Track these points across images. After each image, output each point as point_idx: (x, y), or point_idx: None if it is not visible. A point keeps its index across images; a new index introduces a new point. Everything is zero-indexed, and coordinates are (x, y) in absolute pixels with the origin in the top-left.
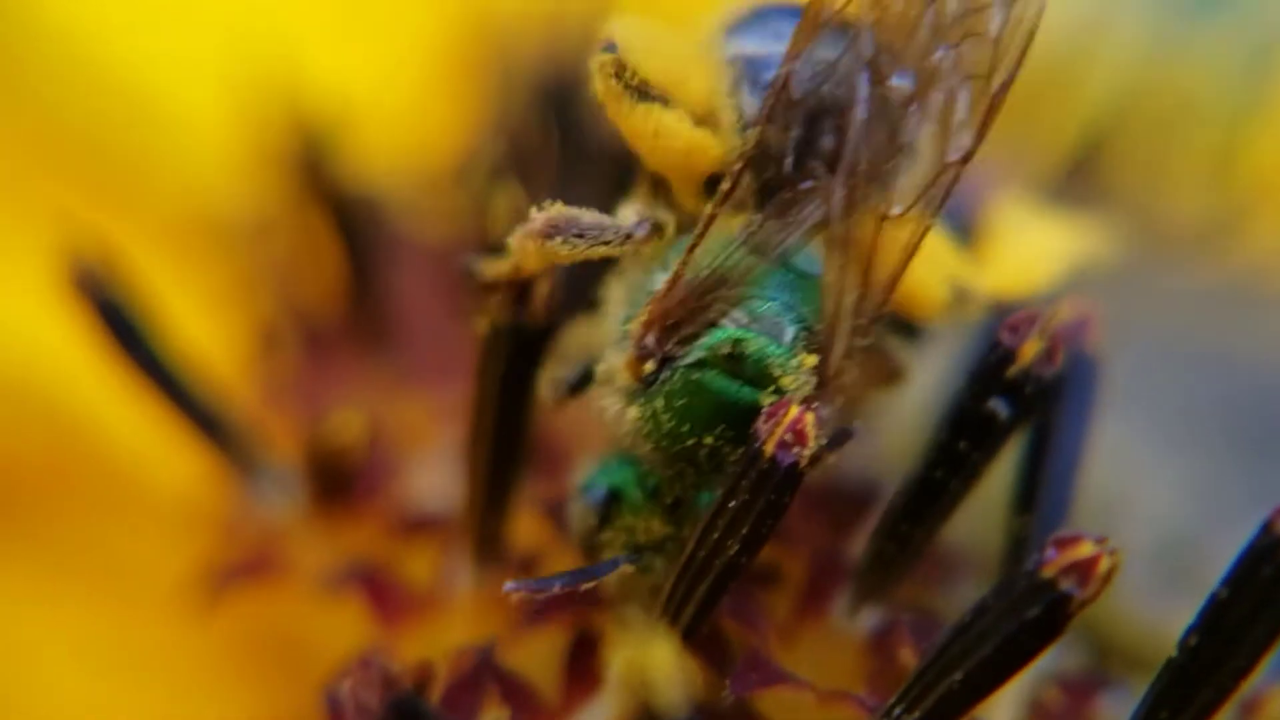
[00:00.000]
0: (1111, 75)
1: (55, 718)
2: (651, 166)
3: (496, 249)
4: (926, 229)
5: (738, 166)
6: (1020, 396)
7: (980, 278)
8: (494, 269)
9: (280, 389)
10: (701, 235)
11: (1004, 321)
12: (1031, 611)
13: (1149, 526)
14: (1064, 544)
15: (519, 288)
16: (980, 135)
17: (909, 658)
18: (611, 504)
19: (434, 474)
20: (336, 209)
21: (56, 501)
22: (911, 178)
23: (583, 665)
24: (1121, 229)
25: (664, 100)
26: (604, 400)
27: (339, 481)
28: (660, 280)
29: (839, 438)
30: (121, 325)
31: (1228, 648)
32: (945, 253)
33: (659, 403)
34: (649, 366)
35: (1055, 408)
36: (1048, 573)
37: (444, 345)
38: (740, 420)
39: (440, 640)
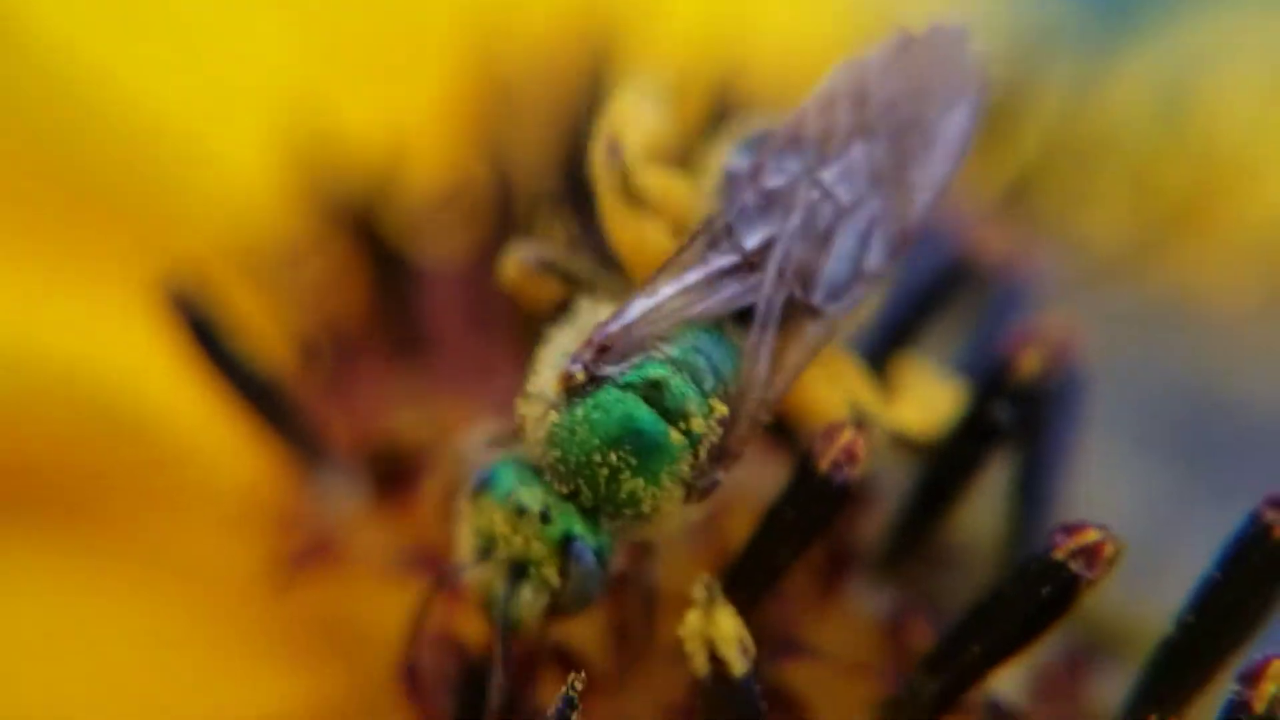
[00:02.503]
0: (1041, 111)
1: (124, 703)
2: (627, 260)
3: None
4: (834, 330)
5: (695, 232)
6: (1019, 402)
7: (882, 410)
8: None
9: (322, 396)
10: (655, 280)
11: (1005, 335)
12: (1044, 590)
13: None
14: (1072, 530)
15: None
16: (890, 258)
17: (920, 636)
18: (480, 488)
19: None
20: (366, 235)
21: (128, 501)
22: (832, 281)
23: (630, 639)
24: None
25: (653, 211)
26: (526, 409)
27: (398, 475)
28: (607, 313)
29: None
30: (199, 327)
31: (1220, 625)
32: (852, 376)
33: (579, 412)
34: (580, 376)
35: (1048, 414)
36: (1059, 556)
37: (469, 356)
38: (645, 450)
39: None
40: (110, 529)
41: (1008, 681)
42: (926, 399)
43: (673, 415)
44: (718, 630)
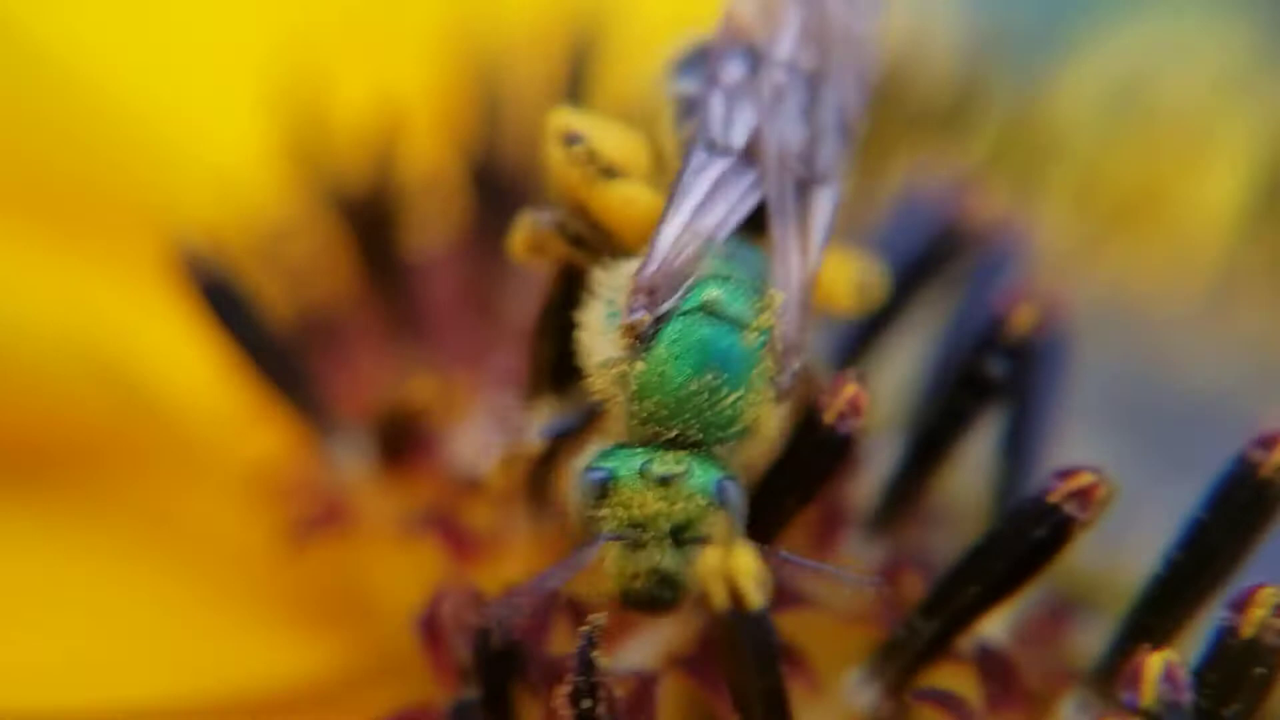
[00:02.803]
0: (992, 112)
1: (137, 666)
2: (622, 231)
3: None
4: (837, 202)
5: (684, 157)
6: (1011, 358)
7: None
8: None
9: (323, 366)
10: (668, 214)
11: (999, 293)
12: (1039, 532)
13: None
14: (1066, 474)
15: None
16: (863, 107)
17: (912, 587)
18: (608, 484)
19: (474, 439)
20: (358, 216)
21: (138, 469)
22: (827, 147)
23: None
24: None
25: (625, 174)
26: (602, 384)
27: (405, 443)
28: (632, 266)
29: None
30: (212, 292)
31: (1207, 561)
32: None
33: (658, 352)
34: (645, 319)
35: (1036, 371)
36: (1054, 499)
37: (461, 332)
38: (730, 360)
39: (505, 577)
40: (121, 496)
41: (995, 628)
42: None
43: (738, 322)
44: (737, 566)
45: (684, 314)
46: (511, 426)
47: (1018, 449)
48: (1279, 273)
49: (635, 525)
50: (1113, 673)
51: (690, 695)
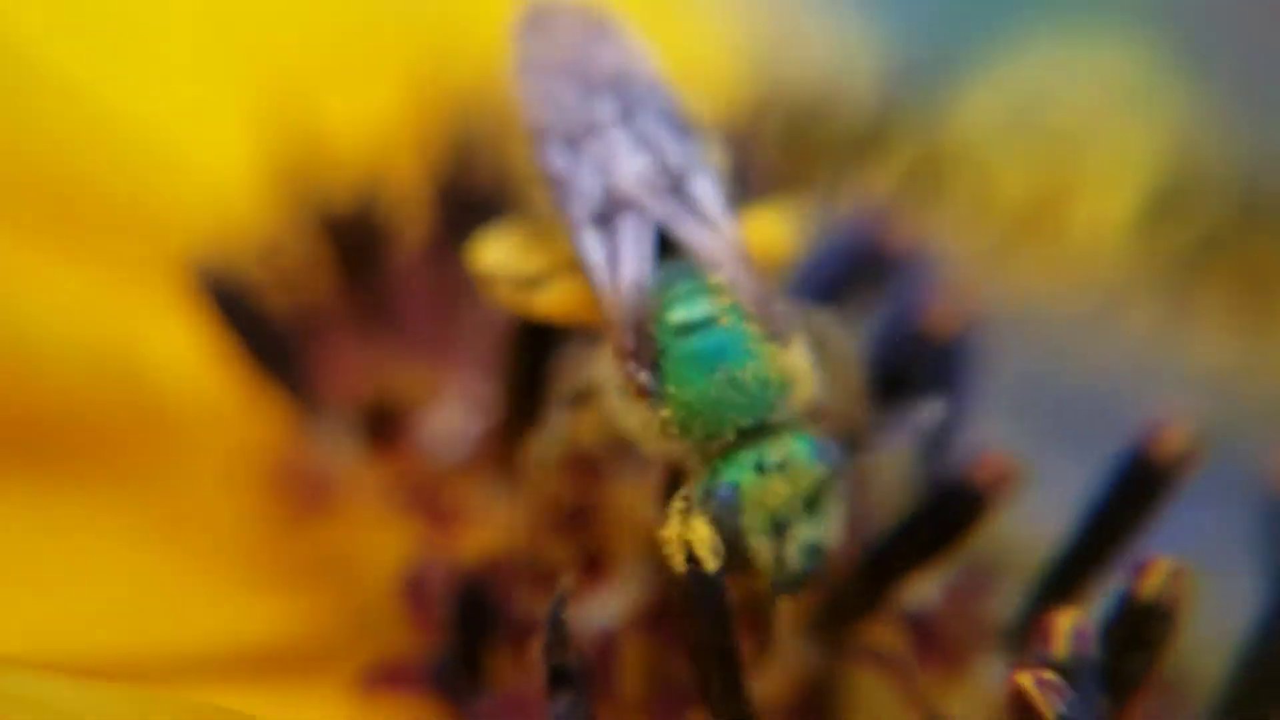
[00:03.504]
0: (906, 135)
1: (130, 622)
2: (570, 318)
3: None
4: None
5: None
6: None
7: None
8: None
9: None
10: (600, 297)
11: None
12: (958, 505)
13: None
14: (981, 456)
15: None
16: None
17: (846, 554)
18: (736, 494)
19: (450, 423)
20: (343, 230)
21: (129, 448)
22: (672, 155)
23: (598, 562)
24: None
25: (546, 279)
26: (645, 439)
27: (386, 425)
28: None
29: None
30: (215, 291)
31: (1108, 532)
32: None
33: (672, 388)
34: (644, 379)
35: (954, 368)
36: (970, 477)
37: (436, 329)
38: (729, 357)
39: (479, 544)
40: (118, 473)
41: (923, 592)
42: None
43: (709, 319)
44: (694, 535)
45: (668, 348)
46: (480, 409)
47: (939, 435)
48: (1169, 278)
49: (777, 517)
50: (1026, 631)
51: (650, 653)
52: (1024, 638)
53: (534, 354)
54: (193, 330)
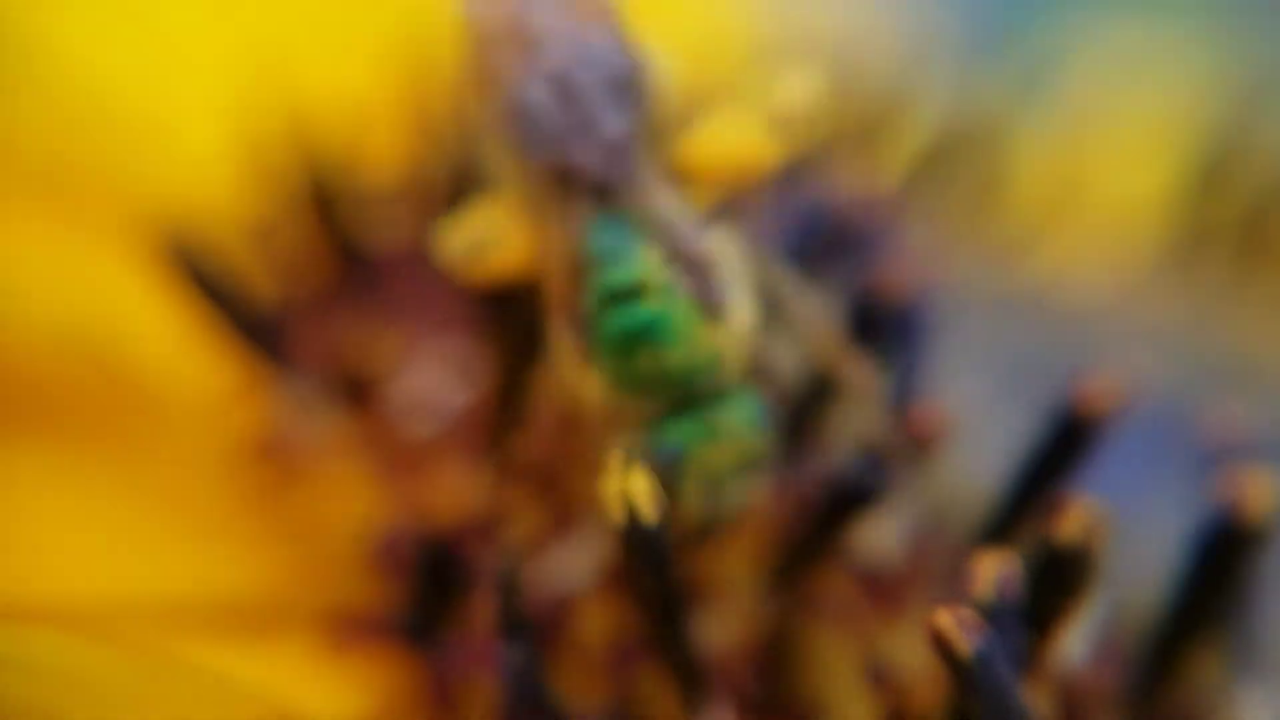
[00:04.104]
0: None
1: (106, 572)
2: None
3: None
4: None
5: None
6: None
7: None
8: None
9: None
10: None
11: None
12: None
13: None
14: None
15: None
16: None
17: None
18: (682, 457)
19: (426, 387)
20: (323, 213)
21: (102, 411)
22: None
23: (564, 518)
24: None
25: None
26: (588, 399)
27: (362, 391)
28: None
29: None
30: (178, 255)
31: (1037, 477)
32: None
33: (601, 368)
34: (584, 348)
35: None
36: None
37: (412, 295)
38: (649, 330)
39: (452, 502)
40: (83, 438)
41: (872, 540)
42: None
43: (633, 293)
44: (634, 487)
45: (596, 318)
46: (453, 373)
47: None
48: (1197, 261)
49: (712, 478)
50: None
51: (605, 607)
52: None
53: (513, 318)
54: (167, 300)
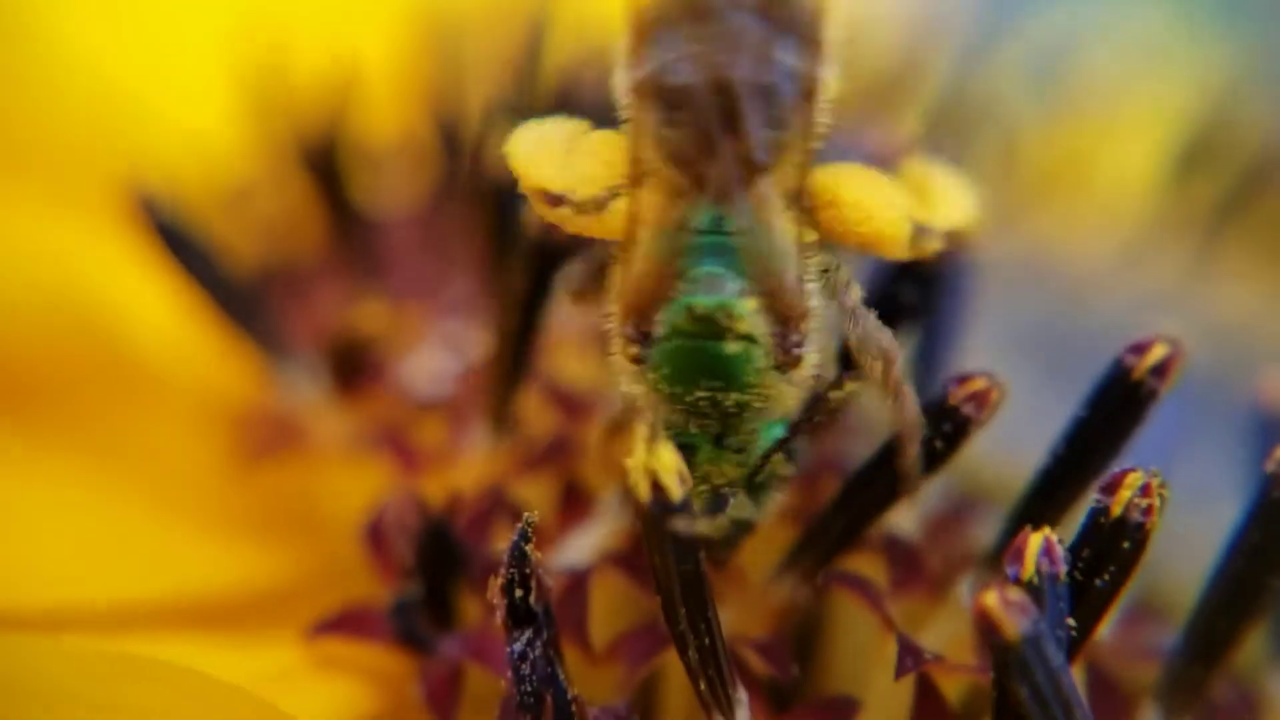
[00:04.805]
0: (925, 87)
1: (98, 571)
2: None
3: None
4: (808, 155)
5: (632, 174)
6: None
7: (930, 215)
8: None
9: (282, 300)
10: (631, 233)
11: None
12: (943, 428)
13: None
14: (964, 380)
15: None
16: (813, 57)
17: (831, 488)
18: (690, 461)
19: (432, 363)
20: (321, 175)
21: (97, 397)
22: (761, 128)
23: (573, 502)
24: None
25: (564, 198)
26: (623, 384)
27: (357, 368)
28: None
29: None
30: (165, 229)
31: (1086, 452)
32: (896, 194)
33: (651, 375)
34: (634, 350)
35: (943, 295)
36: (953, 400)
37: (420, 270)
38: (719, 369)
39: (451, 487)
40: (86, 423)
41: (904, 522)
42: (950, 192)
43: (717, 331)
44: (659, 463)
45: (665, 338)
46: (462, 351)
47: (928, 368)
48: (1193, 232)
49: (718, 492)
50: (1002, 554)
51: (621, 589)
52: (1000, 561)
53: (526, 295)
54: (156, 276)
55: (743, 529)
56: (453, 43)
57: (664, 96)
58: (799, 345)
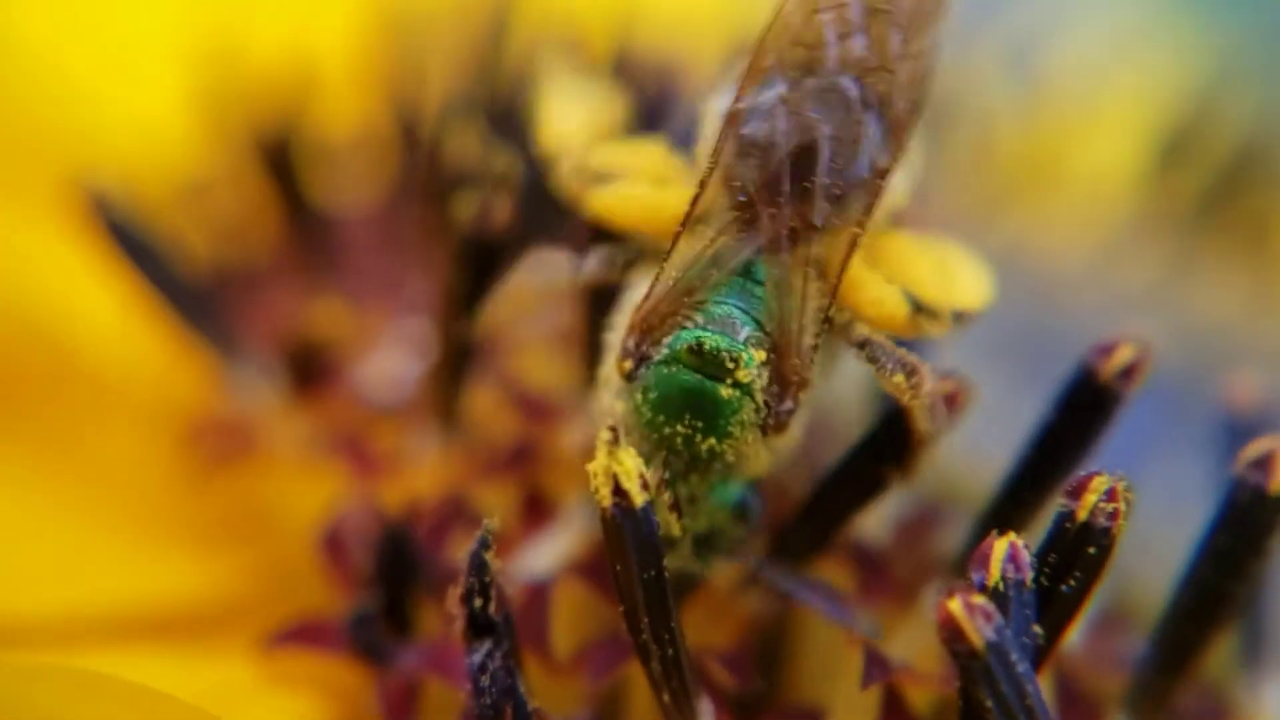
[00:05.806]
0: None
1: (44, 581)
2: (624, 226)
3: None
4: (856, 239)
5: (696, 193)
6: None
7: (940, 296)
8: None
9: (236, 301)
10: (670, 253)
11: None
12: (906, 435)
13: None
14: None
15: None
16: (893, 153)
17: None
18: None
19: (386, 366)
20: (277, 170)
21: (44, 401)
22: (828, 195)
23: (536, 509)
24: None
25: (619, 176)
26: (602, 399)
27: (313, 370)
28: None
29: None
30: (116, 227)
31: (1053, 456)
32: (907, 269)
33: (638, 396)
34: (629, 366)
35: None
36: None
37: (379, 272)
38: (704, 411)
39: (410, 493)
40: (31, 427)
41: (872, 528)
42: (958, 270)
43: (718, 372)
44: (621, 467)
45: (664, 362)
46: (421, 353)
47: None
48: (1172, 228)
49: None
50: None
51: (584, 598)
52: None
53: (478, 295)
54: (107, 276)
55: (684, 582)
56: (413, 35)
57: (748, 132)
58: (789, 412)
